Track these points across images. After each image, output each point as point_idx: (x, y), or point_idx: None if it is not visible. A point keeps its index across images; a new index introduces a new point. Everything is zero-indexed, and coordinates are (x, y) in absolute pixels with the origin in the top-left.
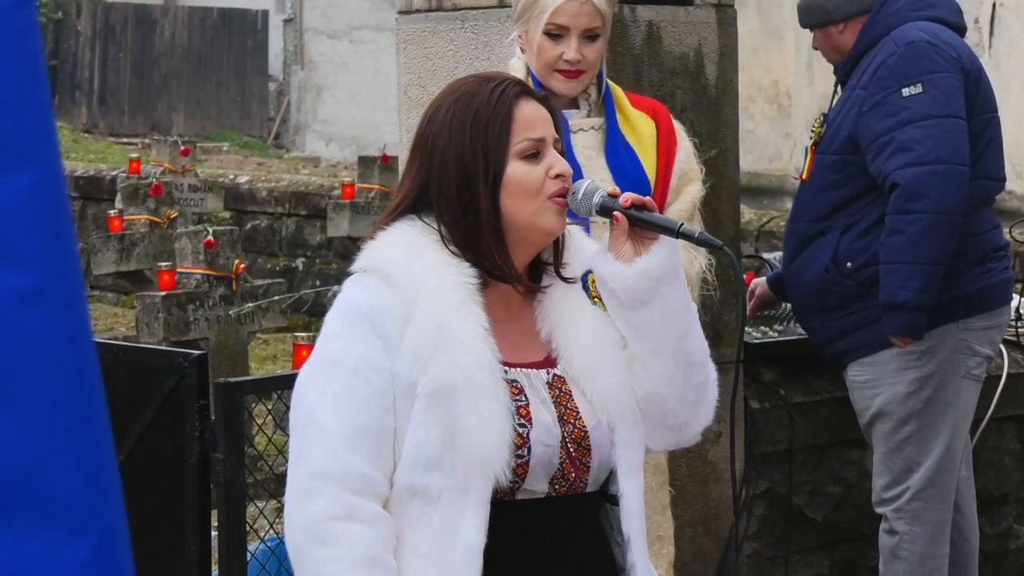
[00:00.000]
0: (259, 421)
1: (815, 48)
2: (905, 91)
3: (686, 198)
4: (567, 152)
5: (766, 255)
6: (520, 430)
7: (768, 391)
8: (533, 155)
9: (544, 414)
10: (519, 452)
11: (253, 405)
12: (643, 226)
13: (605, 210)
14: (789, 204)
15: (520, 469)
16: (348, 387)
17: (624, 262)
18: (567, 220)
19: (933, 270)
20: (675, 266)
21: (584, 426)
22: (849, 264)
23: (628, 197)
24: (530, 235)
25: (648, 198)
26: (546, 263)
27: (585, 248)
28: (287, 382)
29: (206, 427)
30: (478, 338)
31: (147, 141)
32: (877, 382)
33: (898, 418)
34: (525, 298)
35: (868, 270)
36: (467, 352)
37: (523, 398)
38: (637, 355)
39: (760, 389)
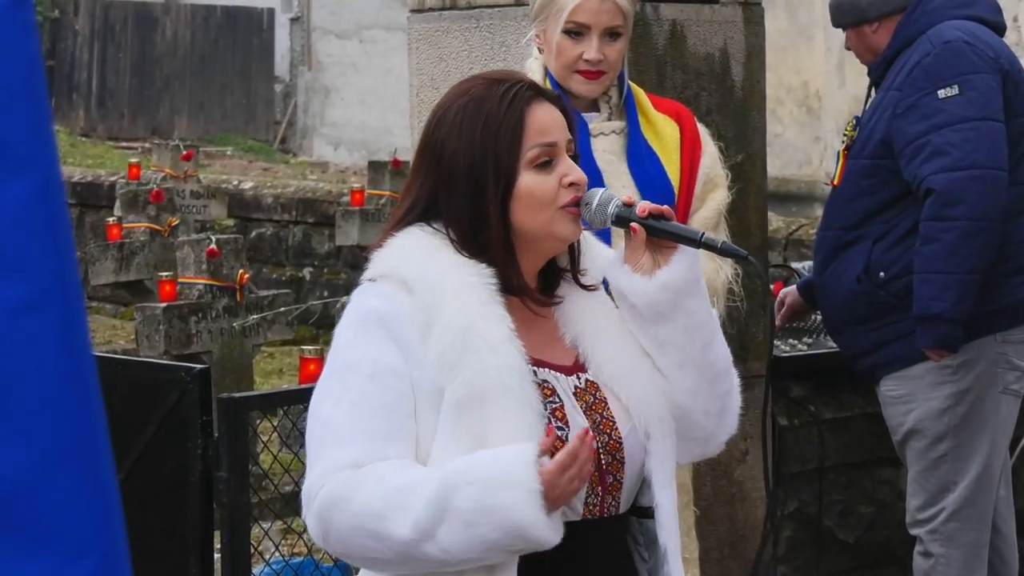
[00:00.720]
0: (264, 438)
1: (848, 48)
2: (941, 93)
3: (711, 205)
4: (586, 157)
5: (795, 265)
6: (559, 433)
7: (797, 407)
8: (546, 163)
9: (579, 418)
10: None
11: (258, 422)
12: (663, 236)
13: (621, 220)
14: (819, 211)
15: None
16: (366, 394)
17: (643, 274)
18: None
19: (969, 280)
20: (697, 276)
21: (620, 437)
22: (882, 274)
23: (645, 206)
24: (544, 244)
25: (666, 207)
26: (564, 270)
27: (601, 253)
28: (293, 397)
29: (209, 444)
30: (506, 340)
31: (147, 145)
32: (911, 397)
33: (933, 435)
34: (543, 304)
35: (902, 280)
36: (496, 355)
37: (556, 399)
38: (662, 369)
39: (789, 405)
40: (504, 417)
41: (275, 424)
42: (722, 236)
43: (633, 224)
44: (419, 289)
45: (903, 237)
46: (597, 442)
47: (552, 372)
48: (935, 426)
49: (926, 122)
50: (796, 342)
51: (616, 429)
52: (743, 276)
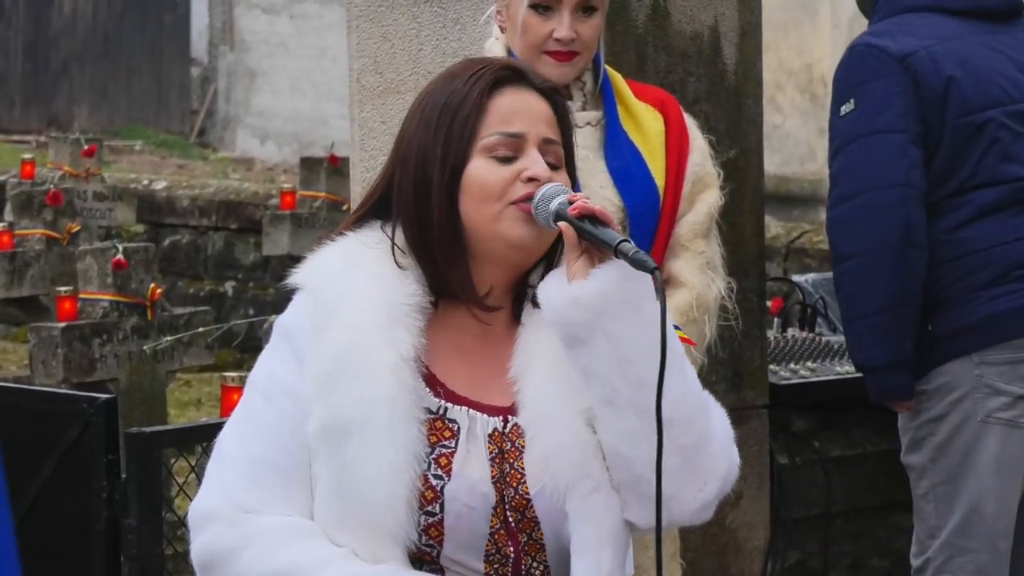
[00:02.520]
0: (180, 480)
1: None
2: (842, 109)
3: (702, 208)
4: None
5: (796, 278)
6: (435, 482)
7: (799, 443)
8: (506, 158)
9: (473, 468)
10: (430, 508)
11: (172, 460)
12: (587, 240)
13: (560, 219)
14: (824, 215)
15: (433, 530)
16: (255, 413)
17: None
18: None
19: (882, 320)
20: (629, 295)
21: (527, 492)
22: None
23: (578, 205)
24: (495, 247)
25: (599, 208)
26: (531, 286)
27: None
28: (213, 433)
29: (115, 487)
30: (387, 369)
31: (43, 139)
32: (903, 428)
33: (916, 470)
34: (510, 330)
35: None
36: (368, 384)
37: (452, 444)
38: (593, 404)
39: (789, 440)
40: (364, 455)
41: (193, 464)
42: (714, 244)
43: (560, 223)
44: (321, 300)
45: None
46: (502, 495)
47: (469, 411)
48: (915, 459)
49: (831, 146)
50: (798, 367)
51: (524, 484)
52: (738, 291)
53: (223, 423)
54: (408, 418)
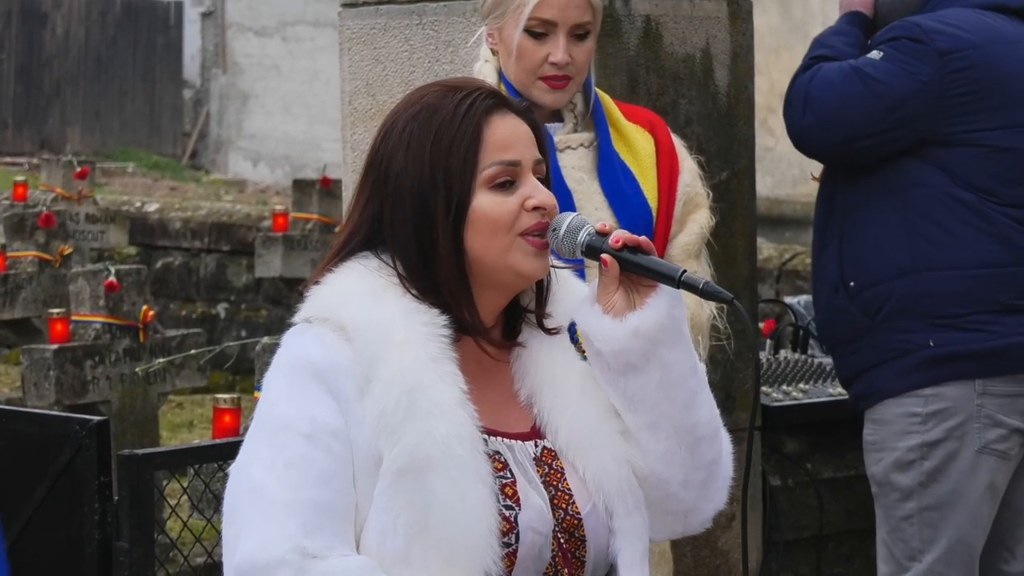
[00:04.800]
0: (172, 502)
1: None
2: None
3: (693, 228)
4: (554, 174)
5: (788, 300)
6: (507, 512)
7: (792, 465)
8: (505, 183)
9: (534, 495)
10: (506, 539)
11: (165, 482)
12: (638, 272)
13: (592, 251)
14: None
15: (506, 561)
16: (303, 456)
17: (614, 316)
18: (553, 261)
19: None
20: (677, 322)
21: (578, 512)
22: (852, 283)
23: (620, 236)
24: (503, 277)
25: (643, 238)
26: (526, 310)
27: (576, 294)
28: (206, 455)
29: (108, 509)
30: (456, 403)
31: (35, 161)
32: (882, 444)
33: (900, 491)
34: (500, 352)
35: (871, 291)
36: (445, 420)
37: (508, 474)
38: (631, 429)
39: (782, 462)
40: (450, 491)
41: (185, 486)
42: (704, 265)
43: (604, 256)
44: (359, 337)
45: (869, 235)
46: (556, 517)
47: (505, 441)
48: (902, 480)
49: None
50: (790, 388)
51: (574, 504)
52: (729, 313)
53: (215, 445)
54: (482, 452)
